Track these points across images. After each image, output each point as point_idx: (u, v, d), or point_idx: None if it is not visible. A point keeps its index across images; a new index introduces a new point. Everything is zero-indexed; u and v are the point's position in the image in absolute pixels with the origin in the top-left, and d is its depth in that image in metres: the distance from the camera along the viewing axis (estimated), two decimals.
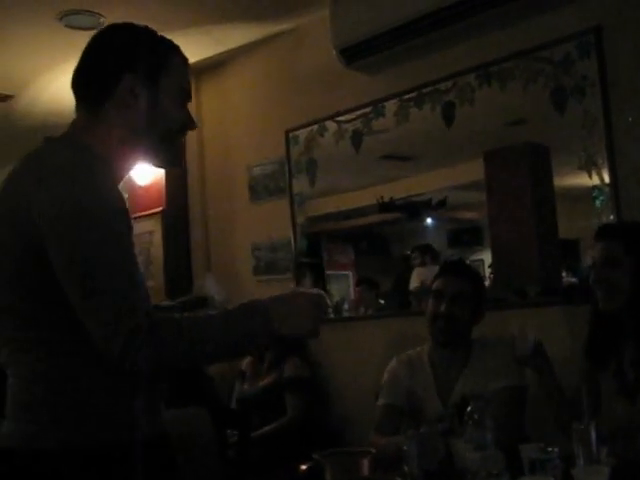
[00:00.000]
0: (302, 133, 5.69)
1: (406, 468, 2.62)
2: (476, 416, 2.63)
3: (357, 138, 5.31)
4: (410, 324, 4.84)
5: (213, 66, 5.98)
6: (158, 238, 6.45)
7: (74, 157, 2.07)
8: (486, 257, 4.88)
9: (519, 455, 2.50)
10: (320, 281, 5.70)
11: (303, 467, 3.91)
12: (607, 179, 4.11)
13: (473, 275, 3.96)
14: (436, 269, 4.19)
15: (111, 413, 2.09)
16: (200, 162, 6.38)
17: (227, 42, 5.77)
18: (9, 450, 2.08)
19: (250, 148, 6.07)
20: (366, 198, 5.41)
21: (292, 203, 5.75)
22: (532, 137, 4.64)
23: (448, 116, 4.81)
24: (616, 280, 3.03)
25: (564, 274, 4.53)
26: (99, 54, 2.25)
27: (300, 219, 5.73)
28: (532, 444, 2.55)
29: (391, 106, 5.13)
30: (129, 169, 2.31)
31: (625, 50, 4.09)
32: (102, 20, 5.22)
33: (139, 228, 5.63)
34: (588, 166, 4.18)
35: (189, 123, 2.32)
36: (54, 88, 6.42)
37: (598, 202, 4.15)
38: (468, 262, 4.76)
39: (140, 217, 6.27)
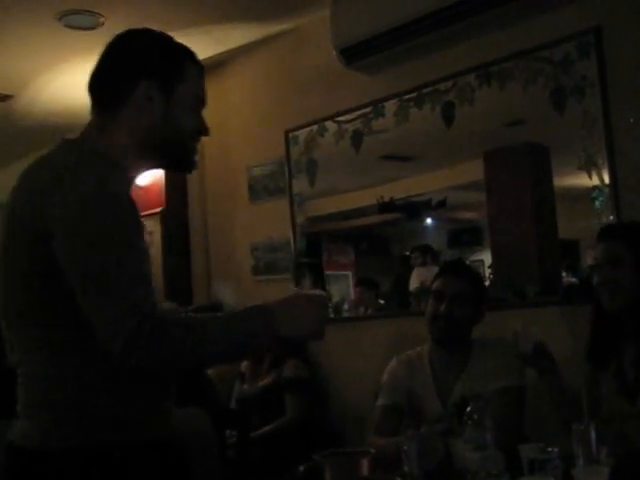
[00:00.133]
0: (302, 133, 5.69)
1: (406, 468, 2.62)
2: (476, 416, 2.62)
3: (357, 138, 5.31)
4: (410, 324, 4.84)
5: (213, 66, 5.95)
6: (157, 238, 6.45)
7: (87, 159, 2.10)
8: (486, 257, 4.88)
9: (518, 455, 2.50)
10: (320, 281, 5.70)
11: (302, 468, 3.91)
12: (607, 179, 4.11)
13: (473, 275, 3.96)
14: (436, 269, 4.19)
15: (123, 414, 2.11)
16: (200, 162, 6.32)
17: (227, 42, 5.77)
18: (21, 449, 2.11)
19: (250, 148, 6.07)
20: (366, 198, 5.41)
21: (292, 203, 5.76)
22: (532, 137, 4.63)
23: (448, 116, 4.81)
24: (619, 280, 3.04)
25: (564, 274, 4.53)
26: (116, 59, 2.30)
27: (300, 219, 5.73)
28: (531, 444, 2.55)
29: (391, 106, 5.13)
30: (142, 173, 2.36)
31: (625, 50, 4.09)
32: (101, 20, 5.23)
33: None
34: (588, 166, 4.18)
35: (203, 129, 2.36)
36: (53, 88, 6.43)
37: (598, 202, 4.15)
38: (468, 262, 4.76)
39: None
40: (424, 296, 4.37)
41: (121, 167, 2.16)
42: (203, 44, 5.59)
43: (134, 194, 2.11)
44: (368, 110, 5.26)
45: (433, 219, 5.30)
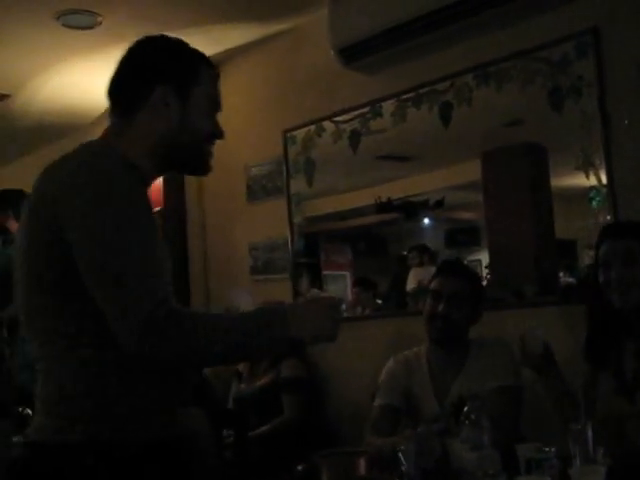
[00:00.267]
0: (300, 133, 5.69)
1: (403, 468, 2.62)
2: (473, 416, 2.63)
3: (355, 138, 5.31)
4: (407, 324, 4.84)
5: None
6: None
7: (104, 159, 2.15)
8: (483, 257, 4.88)
9: (516, 455, 2.50)
10: (317, 281, 5.71)
11: (299, 467, 3.91)
12: (604, 180, 4.11)
13: (471, 275, 3.97)
14: (433, 269, 4.19)
15: (134, 410, 2.14)
16: None
17: (225, 42, 5.77)
18: (34, 443, 2.17)
19: (248, 148, 6.07)
20: (364, 198, 5.42)
21: (289, 203, 5.76)
22: (529, 137, 4.64)
23: (446, 116, 4.81)
24: (635, 277, 3.04)
25: (561, 274, 4.53)
26: (133, 65, 2.36)
27: (297, 219, 5.74)
28: (528, 444, 2.56)
29: (389, 106, 5.13)
30: (158, 175, 2.42)
31: (622, 51, 4.09)
32: (99, 20, 5.23)
33: None
34: (585, 166, 4.18)
35: (218, 132, 2.41)
36: (51, 87, 6.43)
37: (595, 202, 4.15)
38: (465, 262, 4.77)
39: None
40: (422, 296, 4.37)
41: (137, 167, 2.21)
42: (201, 44, 5.51)
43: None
44: (366, 110, 5.26)
45: (431, 219, 5.30)
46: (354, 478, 2.72)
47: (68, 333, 2.09)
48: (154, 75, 2.30)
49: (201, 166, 2.42)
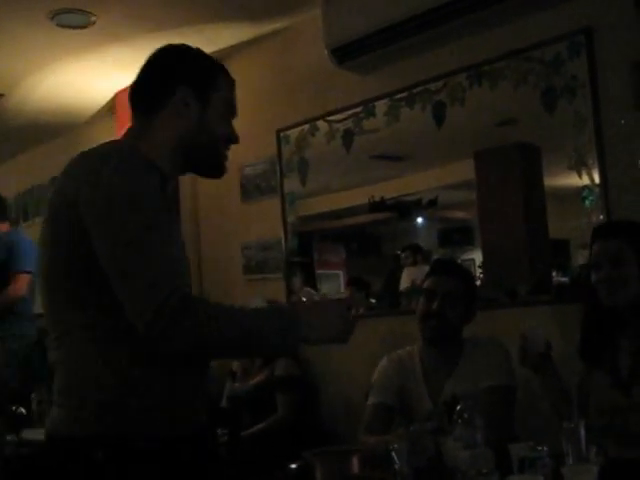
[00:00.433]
0: (293, 133, 5.70)
1: (396, 466, 2.62)
2: (466, 415, 2.63)
3: (348, 138, 5.32)
4: (401, 323, 4.85)
5: None
6: None
7: (123, 155, 2.23)
8: (477, 256, 4.89)
9: (508, 454, 2.51)
10: (311, 280, 5.71)
11: (293, 466, 3.92)
12: (597, 179, 4.12)
13: (464, 274, 3.97)
14: (426, 269, 4.18)
15: (150, 404, 2.16)
16: None
17: (219, 41, 5.77)
18: (49, 437, 2.23)
19: (241, 147, 5.94)
20: (357, 198, 5.43)
21: (283, 202, 5.76)
22: (523, 137, 4.65)
23: (439, 116, 4.82)
24: (621, 277, 3.05)
25: (554, 274, 4.53)
26: (156, 67, 2.47)
27: (291, 218, 5.74)
28: (521, 443, 2.56)
29: (382, 106, 5.14)
30: (175, 176, 2.52)
31: (615, 51, 4.10)
32: (93, 19, 5.23)
33: None
34: (578, 166, 4.19)
35: (233, 137, 2.60)
36: (45, 87, 6.43)
37: (588, 202, 4.16)
38: (459, 262, 4.77)
39: None
40: (415, 295, 4.38)
41: (155, 166, 2.26)
42: (195, 43, 5.54)
43: None
44: (359, 110, 5.26)
45: (424, 218, 5.31)
46: (347, 476, 2.72)
47: (84, 325, 2.14)
48: (176, 77, 2.41)
49: (217, 167, 2.55)
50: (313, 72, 5.52)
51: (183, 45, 2.51)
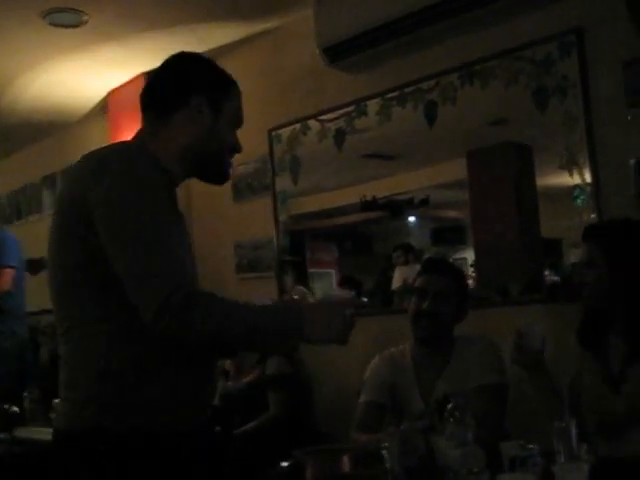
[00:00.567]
0: (285, 132, 5.71)
1: (387, 465, 2.63)
2: (457, 413, 2.64)
3: (340, 137, 5.33)
4: (393, 322, 4.85)
5: None
6: None
7: (133, 153, 2.33)
8: (469, 256, 4.90)
9: (500, 452, 2.52)
10: (303, 279, 5.72)
11: (284, 464, 3.92)
12: (588, 178, 4.13)
13: (456, 273, 3.97)
14: (418, 268, 4.19)
15: (152, 400, 2.19)
16: None
17: (210, 41, 5.76)
18: (55, 430, 2.27)
19: None
20: (349, 197, 5.43)
21: (275, 201, 5.77)
22: (514, 136, 4.66)
23: (430, 115, 4.83)
24: (594, 281, 3.07)
25: (546, 273, 4.54)
26: (173, 73, 2.54)
27: (283, 217, 5.75)
28: (512, 441, 2.57)
29: (374, 105, 5.15)
30: (184, 179, 2.56)
31: (606, 50, 4.11)
32: (85, 18, 5.23)
33: None
34: (569, 165, 4.20)
35: (237, 147, 2.58)
36: (37, 86, 6.42)
37: (579, 201, 4.17)
38: (451, 261, 4.78)
39: None
40: (407, 294, 4.38)
41: (163, 167, 2.35)
42: (187, 43, 5.59)
43: None
44: (351, 109, 5.27)
45: (416, 217, 5.32)
46: (338, 475, 2.73)
47: (98, 318, 2.18)
48: (192, 84, 2.47)
49: (221, 174, 2.58)
50: (305, 71, 5.53)
51: (198, 54, 2.59)
